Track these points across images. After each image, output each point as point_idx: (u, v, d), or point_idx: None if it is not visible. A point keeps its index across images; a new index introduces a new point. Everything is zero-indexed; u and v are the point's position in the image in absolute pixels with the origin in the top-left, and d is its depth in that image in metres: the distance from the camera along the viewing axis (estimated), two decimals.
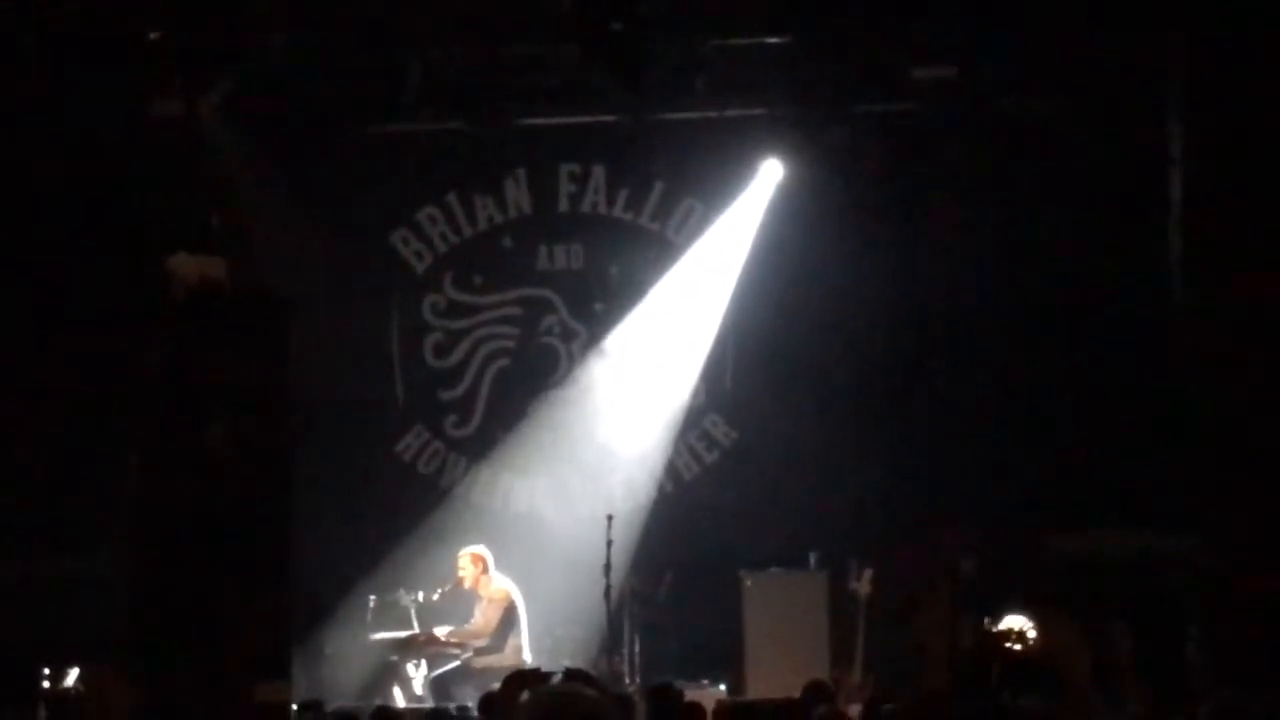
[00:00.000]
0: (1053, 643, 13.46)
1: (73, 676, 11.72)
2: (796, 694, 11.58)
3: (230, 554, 8.41)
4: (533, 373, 17.32)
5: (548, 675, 10.73)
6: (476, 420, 17.34)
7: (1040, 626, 13.46)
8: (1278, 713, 8.11)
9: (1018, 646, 13.13)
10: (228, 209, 13.86)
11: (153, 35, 15.09)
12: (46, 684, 11.67)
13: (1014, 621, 13.35)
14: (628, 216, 17.32)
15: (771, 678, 14.64)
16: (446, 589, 15.58)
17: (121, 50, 15.22)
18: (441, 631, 15.52)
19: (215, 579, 8.36)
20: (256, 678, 8.36)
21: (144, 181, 14.98)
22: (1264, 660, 12.58)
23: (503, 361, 17.39)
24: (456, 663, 15.43)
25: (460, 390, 17.38)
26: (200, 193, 13.91)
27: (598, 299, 17.30)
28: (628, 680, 15.30)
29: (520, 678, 9.71)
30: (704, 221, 17.12)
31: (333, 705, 12.90)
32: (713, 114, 16.61)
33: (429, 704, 14.64)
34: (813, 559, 15.91)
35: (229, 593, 8.38)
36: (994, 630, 13.68)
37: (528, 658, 15.21)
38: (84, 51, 15.19)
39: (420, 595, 15.67)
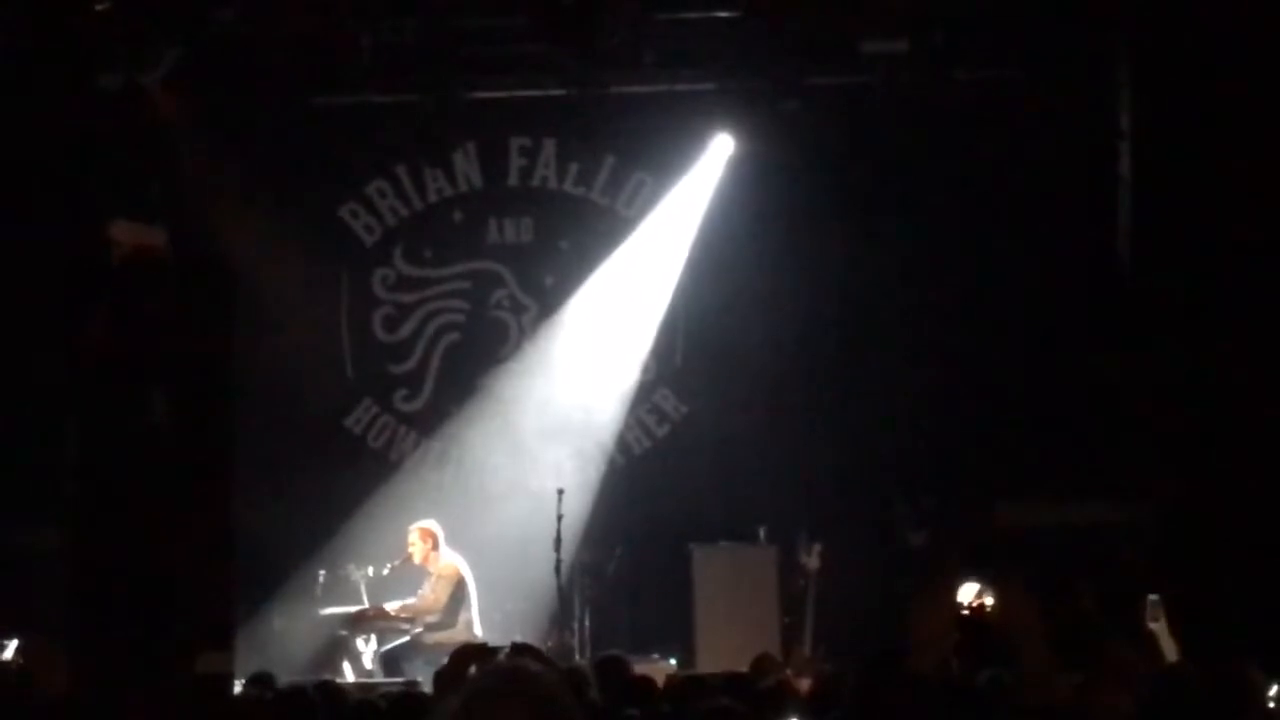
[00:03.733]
0: (1009, 610, 13.49)
1: (11, 649, 11.66)
2: (746, 667, 11.56)
3: (171, 524, 8.36)
4: (483, 346, 17.28)
5: (495, 650, 10.68)
6: (426, 394, 17.30)
7: (996, 595, 13.49)
8: (1222, 683, 8.11)
9: (970, 612, 13.15)
10: (170, 178, 13.77)
11: (99, 6, 14.97)
12: None
13: (969, 590, 13.39)
14: (578, 190, 17.29)
15: (722, 651, 14.66)
16: (396, 564, 15.54)
17: (68, 21, 15.08)
18: (391, 606, 15.48)
19: (156, 549, 8.30)
20: (198, 649, 8.31)
21: (87, 151, 14.87)
22: (1210, 630, 12.62)
23: (453, 335, 17.34)
24: (406, 638, 15.38)
25: (410, 364, 17.34)
26: (143, 162, 13.82)
27: (548, 273, 17.28)
28: (578, 655, 15.29)
29: (467, 652, 9.65)
30: (655, 196, 17.11)
31: (282, 680, 12.84)
32: (663, 87, 16.59)
33: (379, 679, 14.59)
34: (762, 533, 15.94)
35: (170, 563, 8.33)
36: (952, 601, 13.72)
37: (478, 632, 15.17)
38: (31, 22, 15.07)
39: (370, 570, 15.63)
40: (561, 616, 15.45)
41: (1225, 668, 8.27)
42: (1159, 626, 12.68)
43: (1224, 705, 7.75)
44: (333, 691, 9.84)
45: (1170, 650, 11.70)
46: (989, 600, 13.41)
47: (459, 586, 15.42)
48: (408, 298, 17.36)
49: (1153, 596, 12.86)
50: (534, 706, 4.50)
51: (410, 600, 15.52)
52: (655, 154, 17.02)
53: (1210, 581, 13.90)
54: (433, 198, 17.35)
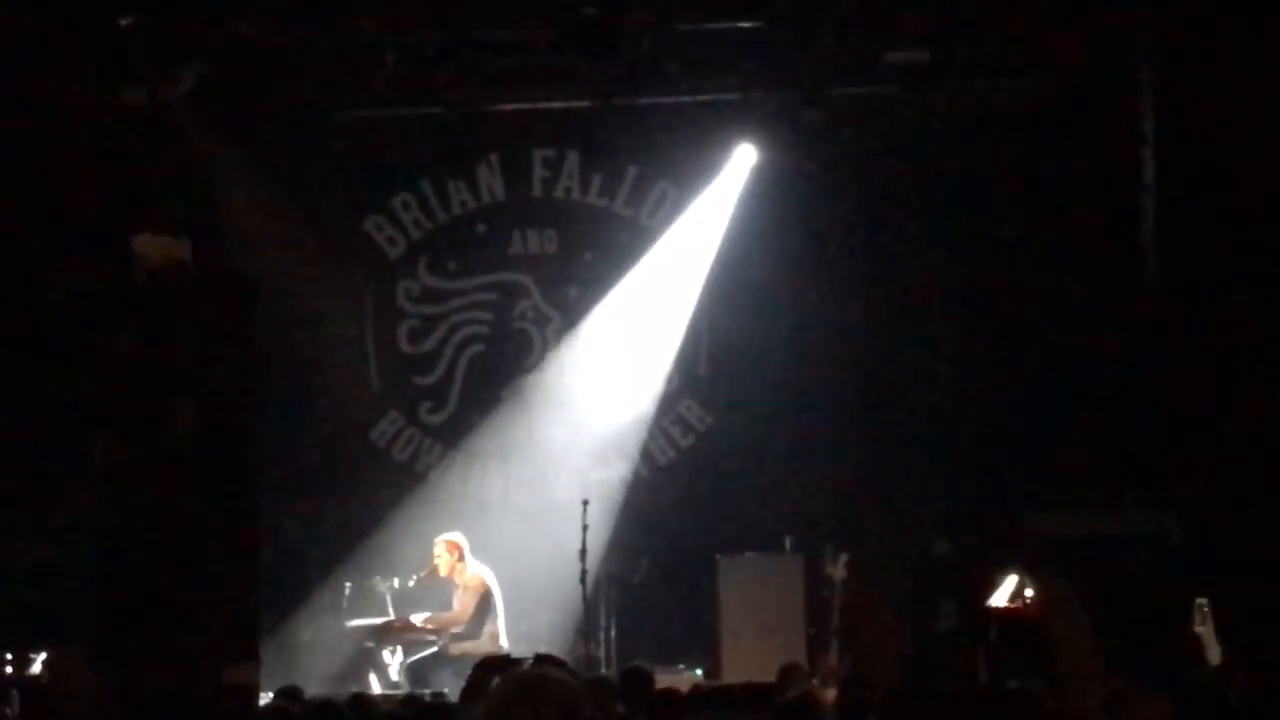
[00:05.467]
0: (1049, 602, 13.42)
1: (39, 663, 11.71)
2: (773, 677, 11.57)
3: (196, 535, 8.39)
4: (507, 358, 17.31)
5: (518, 661, 10.70)
6: (451, 406, 17.34)
7: (1038, 589, 13.42)
8: (1261, 688, 8.10)
9: (1010, 608, 13.04)
10: (195, 192, 13.83)
11: (124, 22, 15.03)
12: (10, 669, 11.64)
13: (1009, 585, 13.32)
14: (601, 201, 17.31)
15: (748, 661, 14.65)
16: (422, 575, 15.56)
17: (93, 37, 15.15)
18: (417, 618, 15.49)
19: (182, 561, 8.33)
20: (224, 660, 8.33)
21: (112, 165, 14.93)
22: (1239, 637, 12.60)
23: (477, 347, 17.38)
24: (433, 649, 15.40)
25: (435, 376, 17.38)
26: (167, 176, 13.88)
27: (572, 284, 17.31)
28: (604, 666, 15.30)
29: (490, 663, 9.68)
30: (678, 206, 17.13)
31: (309, 692, 12.86)
32: (686, 98, 16.60)
33: (405, 690, 14.60)
34: (788, 543, 15.93)
35: (196, 574, 8.35)
36: (990, 598, 13.68)
37: (504, 644, 15.18)
38: (55, 38, 15.14)
39: (396, 582, 15.66)
40: (587, 627, 15.43)
41: (1263, 673, 8.26)
42: (1205, 630, 12.64)
43: (1263, 711, 7.75)
44: (363, 704, 9.86)
45: (1215, 654, 11.67)
46: (1030, 593, 13.33)
47: (485, 598, 15.43)
48: (432, 310, 17.40)
49: (1200, 600, 12.83)
50: (556, 715, 4.53)
51: (438, 612, 15.54)
52: (678, 164, 17.03)
53: (1239, 588, 13.86)
54: (456, 210, 17.39)
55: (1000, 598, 13.54)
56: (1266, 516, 14.11)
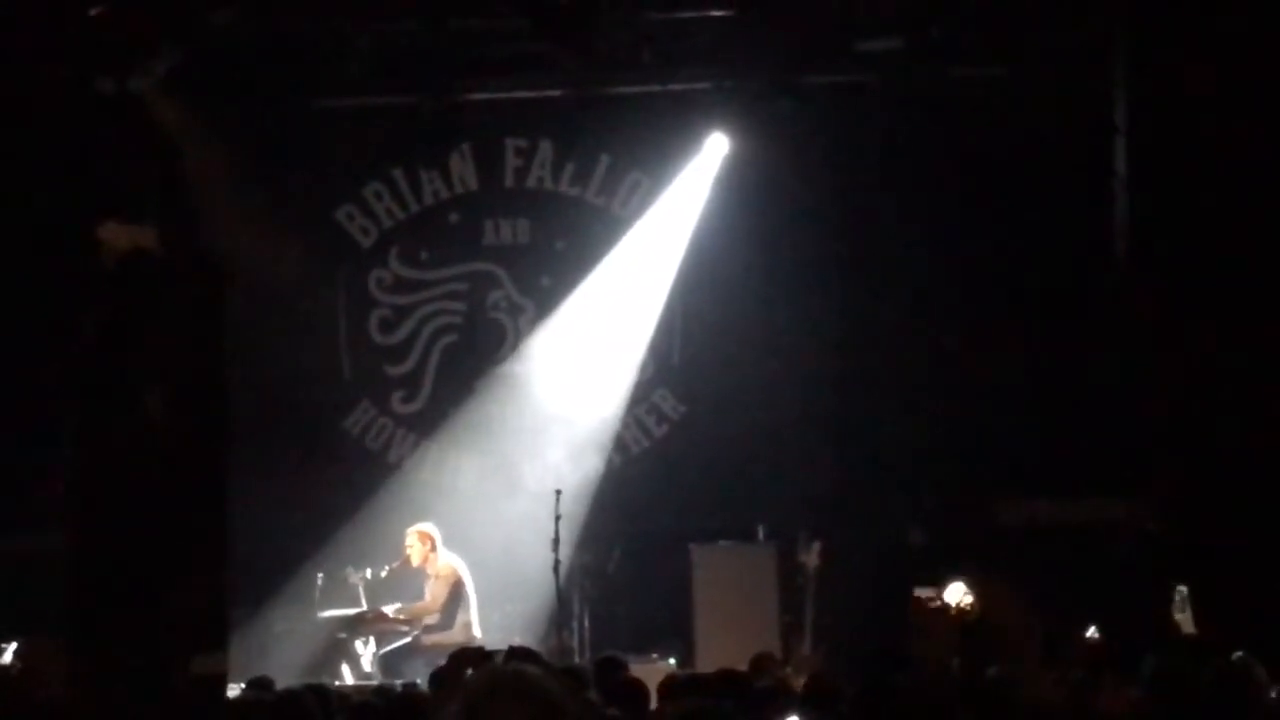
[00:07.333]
0: (994, 610, 13.50)
1: (10, 651, 11.67)
2: (746, 666, 11.55)
3: (165, 523, 8.35)
4: (480, 348, 17.28)
5: (491, 654, 10.69)
6: (424, 396, 17.31)
7: (977, 595, 13.49)
8: (1221, 677, 8.10)
9: (957, 612, 13.15)
10: (167, 181, 13.79)
11: (94, 10, 14.95)
12: None
13: (955, 590, 13.41)
14: (574, 191, 17.29)
15: (721, 650, 14.61)
16: (394, 566, 15.53)
17: (64, 25, 15.07)
18: (390, 609, 15.48)
19: (151, 549, 8.29)
20: (193, 650, 8.29)
21: (82, 155, 14.87)
22: (1208, 624, 12.63)
23: (450, 337, 17.35)
24: (405, 640, 15.39)
25: (408, 366, 17.34)
26: (137, 164, 13.83)
27: (544, 274, 17.28)
28: (577, 655, 15.28)
29: (464, 656, 9.67)
30: (650, 196, 17.11)
31: (281, 683, 12.83)
32: (658, 87, 16.58)
33: (378, 681, 14.58)
34: (761, 532, 15.95)
35: (165, 563, 8.31)
36: (933, 600, 13.73)
37: (477, 634, 15.18)
38: (26, 26, 15.06)
39: (369, 572, 15.61)
40: (560, 617, 15.43)
41: (1229, 662, 8.27)
42: (1184, 617, 12.67)
43: (1228, 699, 7.76)
44: (328, 694, 9.83)
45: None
46: (967, 600, 13.45)
47: (457, 588, 15.42)
48: (404, 300, 17.36)
49: (1181, 588, 12.85)
50: (536, 709, 4.50)
51: (410, 603, 15.52)
52: (650, 154, 17.02)
53: (1210, 575, 13.89)
54: (429, 199, 17.35)
55: (947, 597, 13.61)
56: (1242, 505, 14.14)
